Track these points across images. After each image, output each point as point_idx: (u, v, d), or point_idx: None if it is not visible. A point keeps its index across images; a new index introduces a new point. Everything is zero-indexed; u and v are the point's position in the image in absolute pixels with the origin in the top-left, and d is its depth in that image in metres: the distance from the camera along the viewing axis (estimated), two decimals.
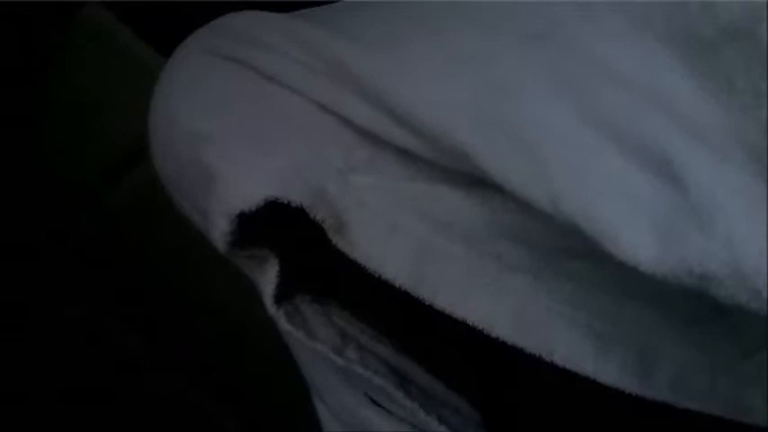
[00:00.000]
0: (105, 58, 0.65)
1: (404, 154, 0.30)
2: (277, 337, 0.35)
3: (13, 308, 0.76)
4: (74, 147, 0.72)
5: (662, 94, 0.25)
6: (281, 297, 0.32)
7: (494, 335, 0.28)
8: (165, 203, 0.37)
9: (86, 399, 0.76)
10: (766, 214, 0.22)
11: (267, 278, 0.32)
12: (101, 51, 0.65)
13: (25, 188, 0.74)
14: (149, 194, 0.60)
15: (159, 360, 0.78)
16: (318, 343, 0.32)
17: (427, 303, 0.29)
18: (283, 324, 0.32)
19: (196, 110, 0.34)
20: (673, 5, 0.26)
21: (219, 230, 0.31)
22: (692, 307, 0.26)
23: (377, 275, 0.30)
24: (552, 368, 0.28)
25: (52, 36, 0.62)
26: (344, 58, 0.30)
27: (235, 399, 0.78)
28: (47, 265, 0.77)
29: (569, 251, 0.28)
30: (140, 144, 0.37)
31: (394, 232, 0.30)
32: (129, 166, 0.69)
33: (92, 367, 0.77)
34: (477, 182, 0.28)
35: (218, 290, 0.72)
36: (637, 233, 0.24)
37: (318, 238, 0.31)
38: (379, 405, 0.33)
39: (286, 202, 0.30)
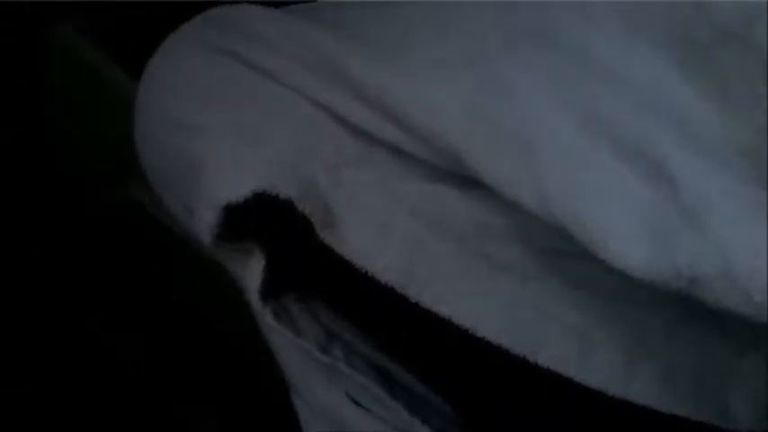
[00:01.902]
0: (75, 82, 0.64)
1: (397, 152, 0.30)
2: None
3: (14, 308, 0.77)
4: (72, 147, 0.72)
5: (657, 96, 0.25)
6: (268, 294, 0.32)
7: (479, 334, 0.28)
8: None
9: (86, 399, 0.76)
10: (767, 218, 0.22)
11: (252, 273, 0.31)
12: (71, 75, 0.64)
13: (25, 188, 0.74)
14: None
15: (158, 362, 0.78)
16: (304, 340, 0.32)
17: (413, 301, 0.29)
18: (269, 321, 0.32)
19: (185, 101, 0.34)
20: (669, 7, 0.25)
21: (206, 223, 0.31)
22: (683, 307, 0.26)
23: (363, 271, 0.29)
24: (534, 370, 0.27)
25: (52, 36, 0.62)
26: (341, 57, 0.30)
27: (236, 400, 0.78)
28: (47, 265, 0.78)
29: (559, 252, 0.28)
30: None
31: (384, 228, 0.30)
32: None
33: (92, 367, 0.77)
34: (469, 182, 0.28)
35: (218, 290, 0.72)
36: (627, 237, 0.23)
37: (304, 236, 0.31)
38: (360, 405, 0.32)
39: (274, 194, 0.30)
